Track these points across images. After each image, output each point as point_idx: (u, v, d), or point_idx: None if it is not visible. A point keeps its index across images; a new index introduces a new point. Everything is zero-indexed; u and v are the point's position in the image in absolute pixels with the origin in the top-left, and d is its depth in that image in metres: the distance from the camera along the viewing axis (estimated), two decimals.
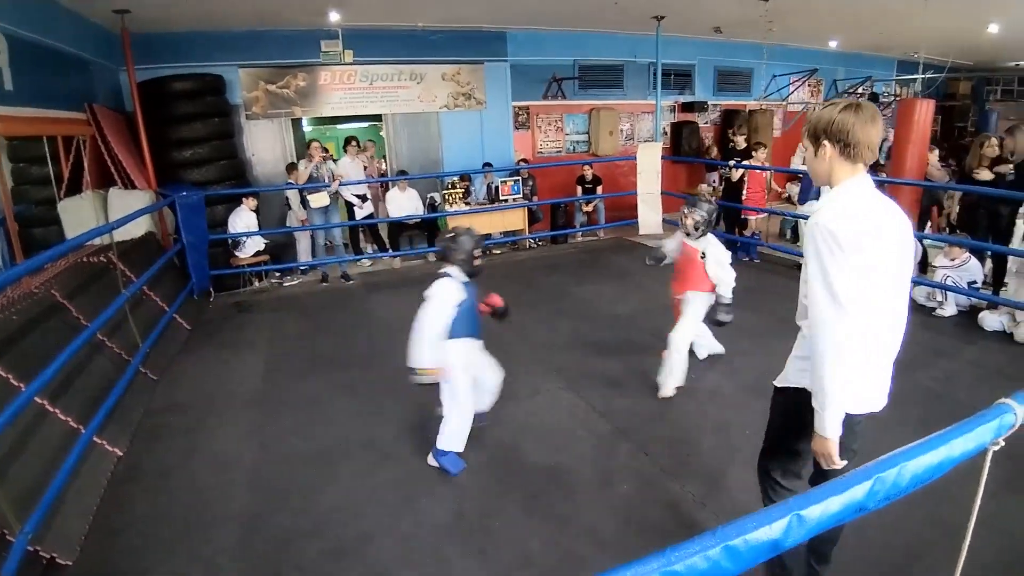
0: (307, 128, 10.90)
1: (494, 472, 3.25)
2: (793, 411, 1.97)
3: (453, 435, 3.22)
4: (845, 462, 1.84)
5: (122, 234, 5.32)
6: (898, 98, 12.80)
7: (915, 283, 5.70)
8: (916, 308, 5.48)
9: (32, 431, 3.08)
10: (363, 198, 7.95)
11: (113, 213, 5.86)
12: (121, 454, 3.58)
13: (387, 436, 3.68)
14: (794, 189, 9.62)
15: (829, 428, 1.78)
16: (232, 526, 2.92)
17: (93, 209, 5.74)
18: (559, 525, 2.81)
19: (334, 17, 7.49)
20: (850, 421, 1.83)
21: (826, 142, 1.79)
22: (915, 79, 8.83)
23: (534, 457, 3.37)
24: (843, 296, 1.68)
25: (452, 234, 3.23)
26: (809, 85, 12.08)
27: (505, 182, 8.47)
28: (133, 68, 6.65)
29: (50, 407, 3.29)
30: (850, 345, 1.72)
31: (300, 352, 5.15)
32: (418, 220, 8.15)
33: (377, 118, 9.44)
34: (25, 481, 2.82)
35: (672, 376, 3.93)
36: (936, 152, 7.22)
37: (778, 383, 2.07)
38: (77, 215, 5.57)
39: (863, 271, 1.70)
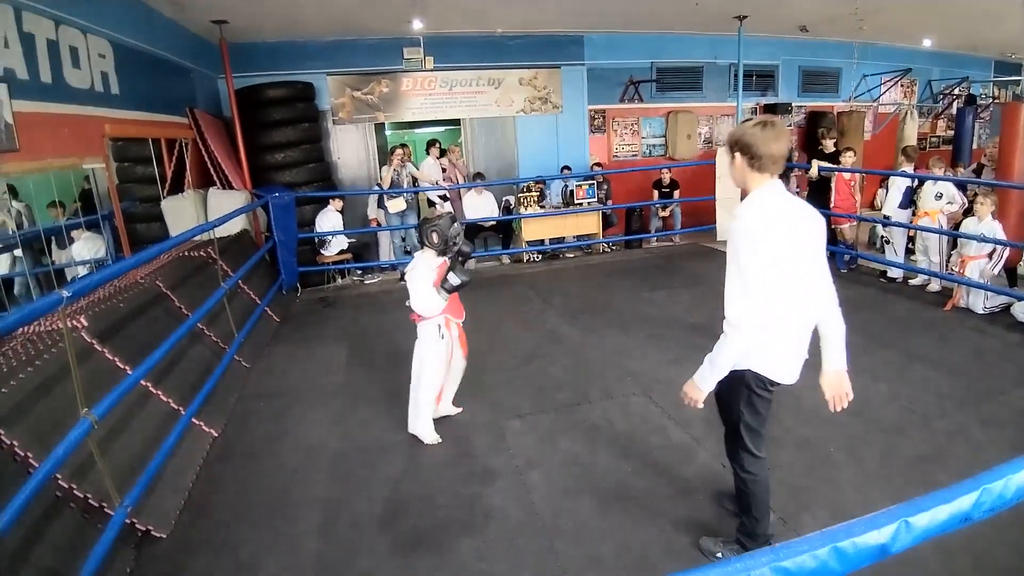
0: (388, 132, 11.28)
1: (567, 473, 3.27)
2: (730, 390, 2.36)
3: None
4: (702, 406, 2.31)
5: (219, 231, 5.68)
6: (995, 100, 11.93)
7: (1016, 299, 5.28)
8: (1015, 326, 5.04)
9: (136, 411, 3.28)
10: (444, 197, 8.19)
11: (211, 211, 6.29)
12: (216, 435, 3.82)
13: (462, 432, 3.76)
14: (884, 195, 9.11)
15: (709, 385, 2.25)
16: (315, 508, 3.07)
17: (194, 207, 6.17)
18: (632, 530, 2.79)
19: (417, 25, 7.74)
20: (767, 383, 2.29)
21: (737, 154, 2.14)
22: (1017, 81, 8.19)
23: (607, 461, 3.36)
24: (752, 285, 2.02)
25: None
26: (902, 86, 11.46)
27: (580, 186, 8.47)
28: (231, 75, 7.09)
29: (153, 389, 3.53)
30: (751, 328, 2.08)
31: (380, 347, 5.33)
32: (493, 223, 8.28)
33: (456, 122, 9.67)
34: (127, 457, 2.99)
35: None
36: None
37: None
38: (179, 212, 6.00)
39: (774, 261, 2.01)
